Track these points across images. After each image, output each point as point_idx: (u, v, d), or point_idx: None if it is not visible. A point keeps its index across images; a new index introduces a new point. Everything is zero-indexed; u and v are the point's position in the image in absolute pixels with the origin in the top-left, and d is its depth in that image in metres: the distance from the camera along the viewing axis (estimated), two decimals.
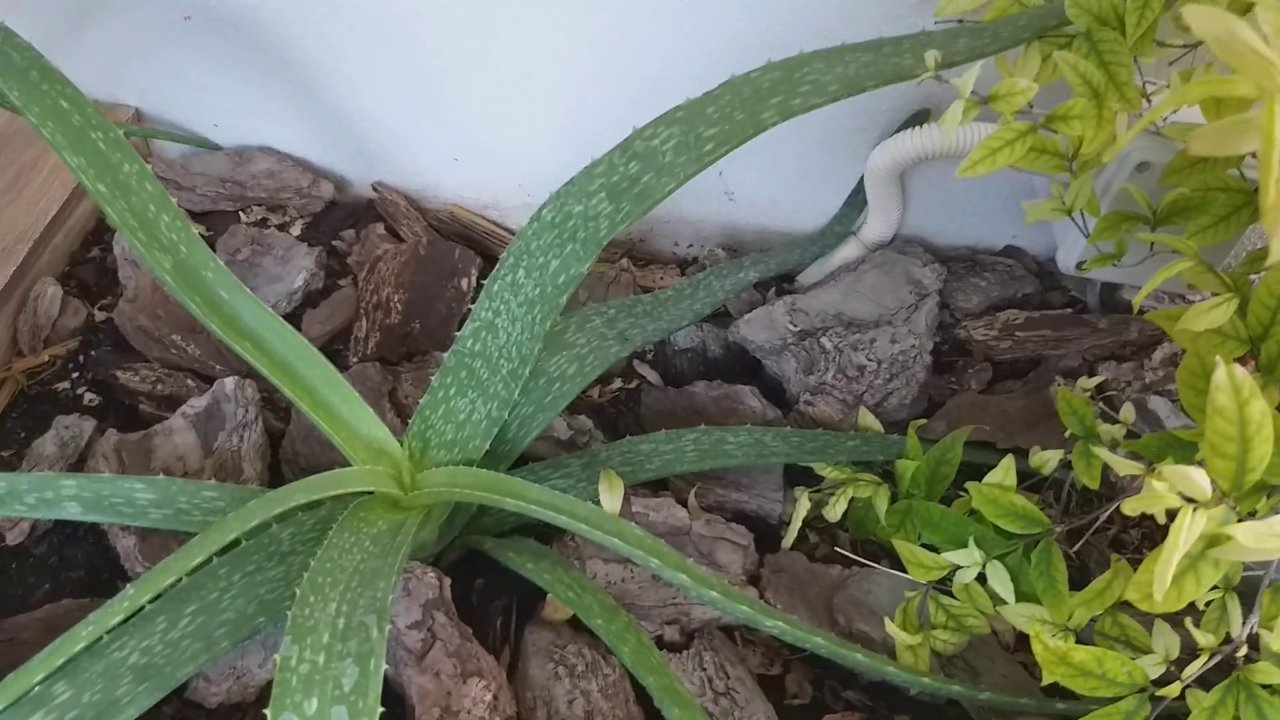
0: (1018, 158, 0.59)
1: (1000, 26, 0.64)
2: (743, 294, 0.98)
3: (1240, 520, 0.44)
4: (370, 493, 0.67)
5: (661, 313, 0.84)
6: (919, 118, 0.94)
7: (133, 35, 0.98)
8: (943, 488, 0.77)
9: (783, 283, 1.04)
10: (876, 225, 1.01)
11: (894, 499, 0.79)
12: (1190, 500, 0.41)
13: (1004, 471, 0.67)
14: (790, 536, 0.77)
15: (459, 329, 0.68)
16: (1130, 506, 0.41)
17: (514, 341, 0.65)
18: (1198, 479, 0.41)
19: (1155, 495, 0.40)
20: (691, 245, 1.11)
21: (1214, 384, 0.41)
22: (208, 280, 0.69)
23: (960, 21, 0.76)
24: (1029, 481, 0.78)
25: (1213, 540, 0.42)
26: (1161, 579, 0.40)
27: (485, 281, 0.65)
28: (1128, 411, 0.68)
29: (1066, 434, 0.70)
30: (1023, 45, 0.67)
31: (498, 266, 0.63)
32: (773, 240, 1.08)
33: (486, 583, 0.72)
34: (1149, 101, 0.68)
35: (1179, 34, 0.68)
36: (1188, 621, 0.55)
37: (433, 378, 0.69)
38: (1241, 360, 0.64)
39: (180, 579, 0.60)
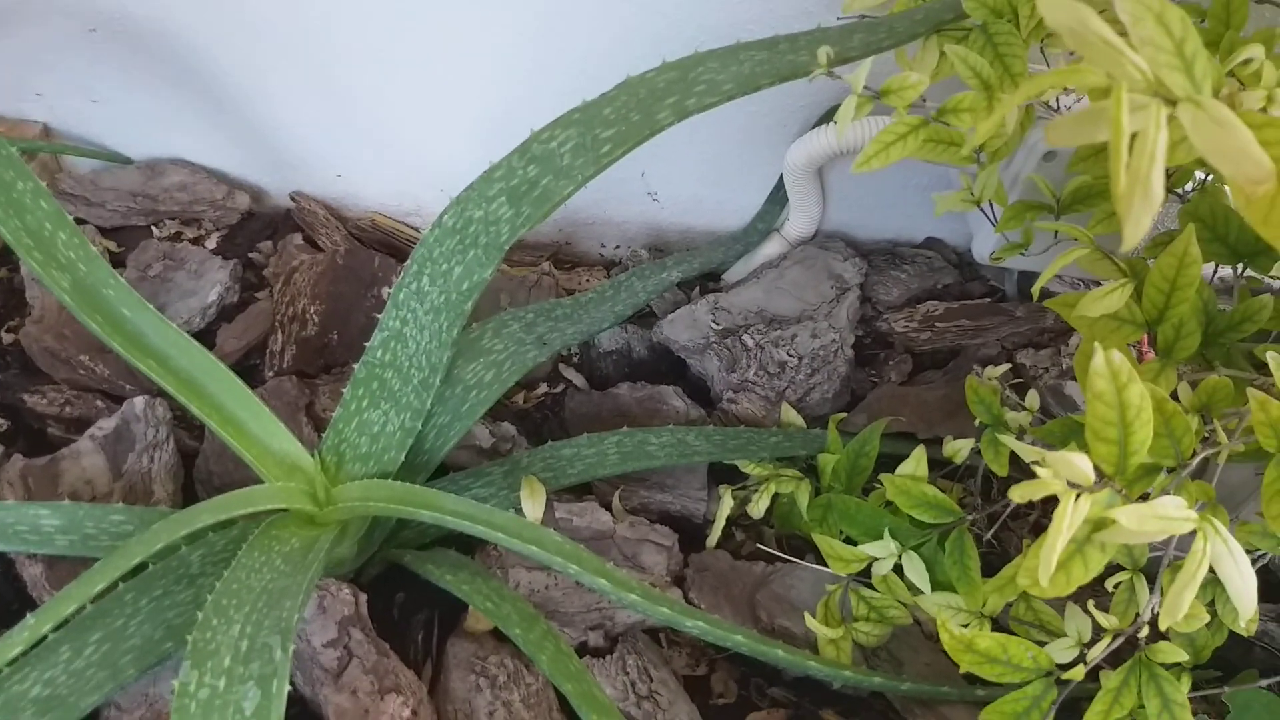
0: (912, 151, 0.59)
1: (896, 21, 0.65)
2: (667, 294, 0.98)
3: (1127, 504, 0.44)
4: (284, 510, 0.66)
5: (582, 315, 0.83)
6: (833, 114, 0.94)
7: (38, 49, 0.95)
8: (862, 480, 0.78)
9: (707, 281, 1.05)
10: (798, 221, 1.02)
11: (817, 493, 0.80)
12: (1075, 486, 0.42)
13: (915, 462, 0.68)
14: (714, 535, 0.77)
15: (371, 338, 0.68)
16: (1017, 494, 0.41)
17: (423, 350, 0.64)
18: (1079, 465, 0.41)
19: (1040, 482, 0.41)
20: (618, 246, 1.10)
21: (1092, 369, 0.42)
22: (109, 298, 0.68)
23: (862, 17, 0.77)
24: (949, 469, 0.79)
25: (1098, 525, 0.43)
26: (1046, 564, 0.41)
27: (390, 290, 0.64)
28: (1033, 398, 0.69)
29: (977, 422, 0.71)
30: (920, 39, 0.68)
31: (401, 274, 0.63)
32: (698, 239, 1.08)
33: (408, 596, 0.71)
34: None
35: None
36: (1090, 604, 0.56)
37: (344, 390, 0.68)
38: (1139, 344, 0.66)
39: (84, 606, 0.59)
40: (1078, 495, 0.41)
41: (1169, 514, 0.40)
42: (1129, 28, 0.36)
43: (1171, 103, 0.35)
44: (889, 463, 0.75)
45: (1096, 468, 0.43)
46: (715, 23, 0.85)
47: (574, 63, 0.90)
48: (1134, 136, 0.33)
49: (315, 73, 0.94)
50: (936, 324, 0.96)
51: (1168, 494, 0.45)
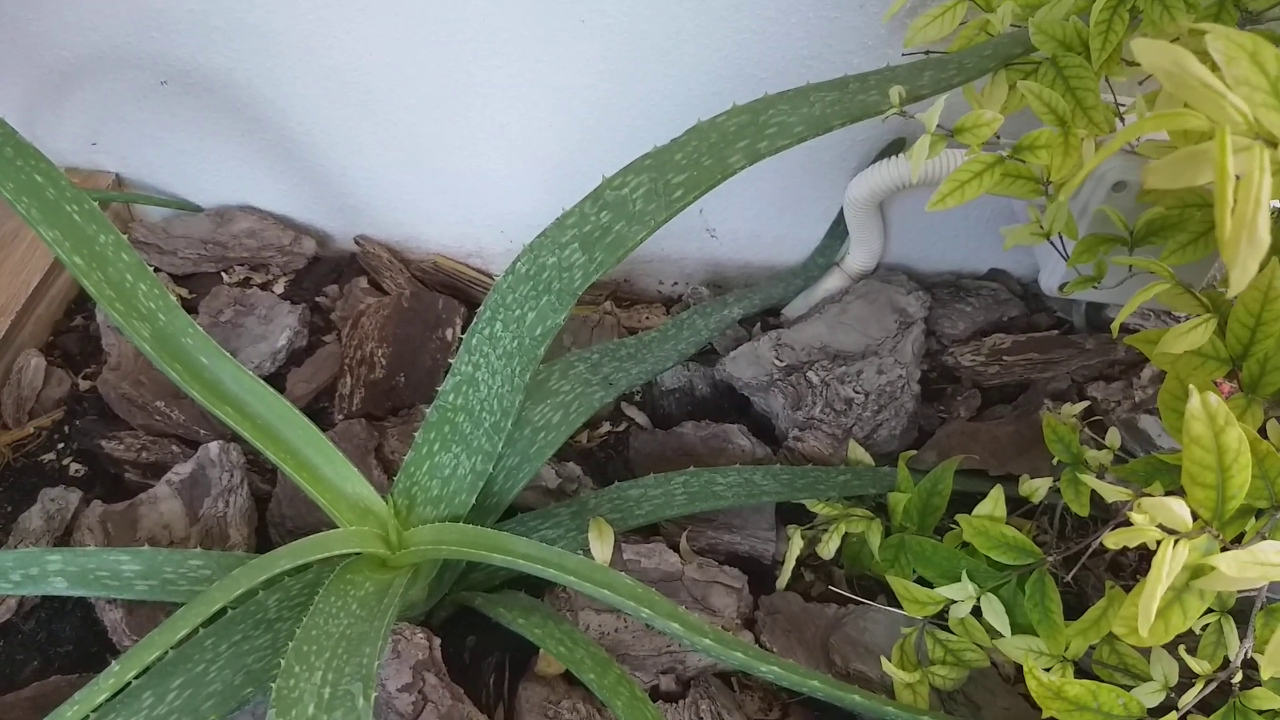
0: (987, 188, 0.59)
1: (965, 57, 0.65)
2: (728, 330, 0.97)
3: (1224, 548, 0.43)
4: (357, 553, 0.67)
5: (646, 355, 0.84)
6: (895, 147, 0.94)
7: (111, 102, 0.98)
8: (935, 519, 0.76)
9: (768, 317, 1.04)
10: (859, 255, 1.01)
11: (888, 532, 0.79)
12: (1171, 531, 0.41)
13: (993, 503, 0.67)
14: (784, 577, 0.76)
15: (443, 381, 0.68)
16: (1112, 541, 0.40)
17: (495, 394, 0.65)
18: (1177, 510, 0.40)
19: (1137, 529, 0.40)
20: (676, 283, 1.11)
21: (1189, 412, 0.41)
22: (187, 347, 0.69)
23: (927, 53, 0.76)
24: (1024, 508, 0.78)
25: (1196, 571, 0.42)
26: (1146, 613, 0.40)
27: (464, 335, 0.65)
28: (1113, 436, 0.68)
29: (1055, 460, 0.69)
30: (989, 74, 0.68)
31: (475, 320, 0.63)
32: (757, 274, 1.08)
33: (479, 640, 0.71)
34: (1122, 121, 0.68)
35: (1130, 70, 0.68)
36: (1181, 649, 0.54)
37: (416, 434, 0.69)
38: (1224, 379, 0.64)
39: (166, 652, 0.59)
40: (1176, 541, 0.40)
41: (1270, 560, 0.39)
42: (1223, 67, 0.36)
43: (1273, 144, 0.34)
44: (961, 500, 0.74)
45: (1193, 512, 0.42)
46: (777, 60, 0.85)
47: (637, 106, 0.91)
48: (1237, 180, 0.33)
49: (377, 121, 0.95)
50: (1004, 357, 0.95)
51: (1263, 537, 0.44)
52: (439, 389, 0.67)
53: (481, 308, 0.63)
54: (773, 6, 0.82)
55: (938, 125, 0.61)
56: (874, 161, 0.93)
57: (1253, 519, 0.47)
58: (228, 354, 0.70)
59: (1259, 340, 0.58)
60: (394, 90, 0.94)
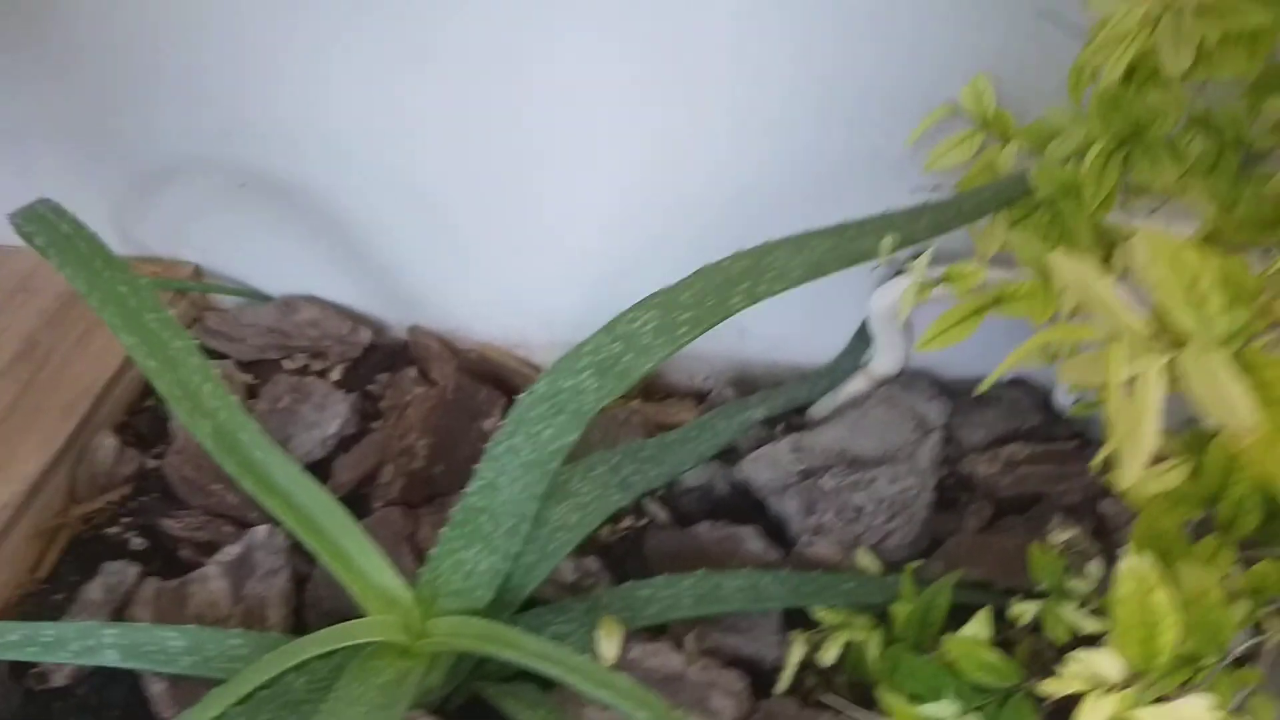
0: (974, 331, 0.63)
1: (964, 200, 0.69)
2: (751, 430, 1.02)
3: (1164, 698, 0.46)
4: (381, 641, 0.72)
5: (666, 457, 0.88)
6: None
7: (194, 200, 1.08)
8: (933, 632, 0.79)
9: (794, 415, 1.08)
10: (883, 360, 1.05)
11: (891, 641, 0.82)
12: (1103, 683, 0.44)
13: (978, 625, 0.70)
14: (783, 682, 0.79)
15: (469, 484, 0.74)
16: (1045, 689, 0.44)
17: (514, 500, 0.70)
18: (1104, 664, 0.43)
19: (1065, 679, 0.43)
20: (708, 378, 1.16)
21: (1119, 573, 0.45)
22: (243, 442, 0.76)
23: (935, 188, 0.81)
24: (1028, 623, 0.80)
25: None
26: None
27: (487, 445, 0.70)
28: (1094, 570, 0.70)
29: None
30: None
31: (498, 432, 0.69)
32: (785, 373, 1.12)
33: None
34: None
35: (1143, 196, 0.72)
36: None
37: (442, 530, 0.75)
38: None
39: None
40: (1103, 692, 0.43)
41: (1191, 716, 0.42)
42: (1144, 269, 0.40)
43: (1181, 344, 0.38)
44: (966, 612, 0.76)
45: (1126, 663, 0.45)
46: (811, 185, 0.91)
47: (679, 220, 0.97)
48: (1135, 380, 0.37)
49: (432, 222, 1.03)
50: (1020, 468, 0.98)
51: (1201, 689, 0.47)
52: (465, 490, 0.73)
53: (505, 420, 0.69)
54: (812, 132, 0.88)
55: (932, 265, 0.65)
56: (897, 274, 0.98)
57: (1193, 673, 0.50)
58: (278, 448, 0.76)
59: (1233, 483, 0.61)
60: (451, 196, 1.01)
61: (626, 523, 0.95)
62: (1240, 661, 0.56)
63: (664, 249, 0.99)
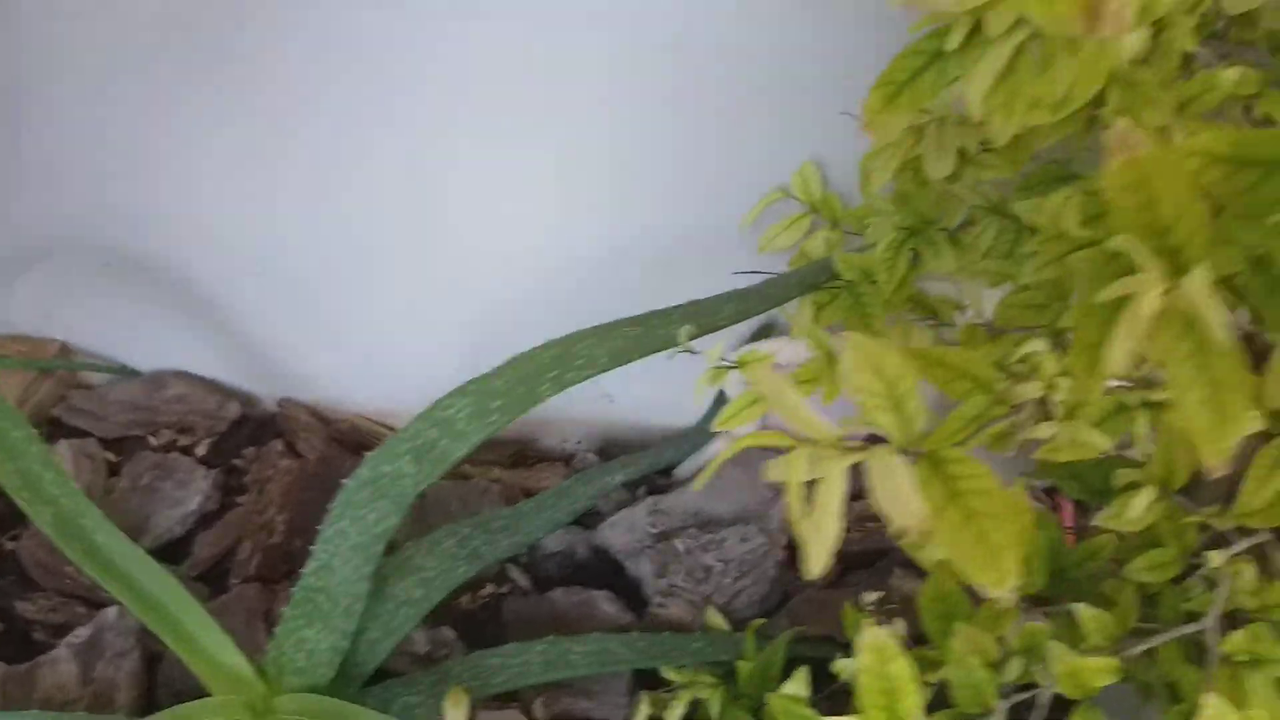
0: (764, 412, 0.67)
1: (769, 287, 0.74)
2: (613, 494, 1.05)
3: None
4: None
5: (520, 526, 0.91)
6: (765, 331, 1.03)
7: (60, 279, 1.09)
8: (772, 688, 0.83)
9: (659, 477, 1.12)
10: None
11: (739, 696, 0.85)
12: None
13: (796, 683, 0.73)
14: None
15: (306, 564, 0.76)
16: None
17: (348, 580, 0.72)
18: None
19: None
20: (579, 441, 1.19)
21: (860, 644, 0.49)
22: (85, 528, 0.77)
23: (754, 272, 0.86)
24: None
25: None
26: None
27: (320, 528, 0.72)
28: (898, 627, 0.75)
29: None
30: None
31: (328, 516, 0.71)
32: (653, 435, 1.16)
33: None
34: None
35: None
36: None
37: (284, 609, 0.76)
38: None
39: None
40: None
41: None
42: (846, 375, 0.45)
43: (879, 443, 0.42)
44: (811, 666, 0.80)
45: None
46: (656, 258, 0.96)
47: (530, 294, 1.01)
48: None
49: (301, 300, 1.05)
50: (867, 523, 1.02)
51: None
52: (303, 570, 0.75)
53: (333, 504, 0.71)
54: (672, 212, 0.93)
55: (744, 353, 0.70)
56: (745, 344, 1.02)
57: None
58: (119, 533, 0.78)
59: None
60: (317, 274, 1.04)
61: (489, 589, 0.98)
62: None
63: (528, 318, 1.03)
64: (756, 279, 0.80)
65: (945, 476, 0.41)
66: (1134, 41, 0.45)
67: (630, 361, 0.66)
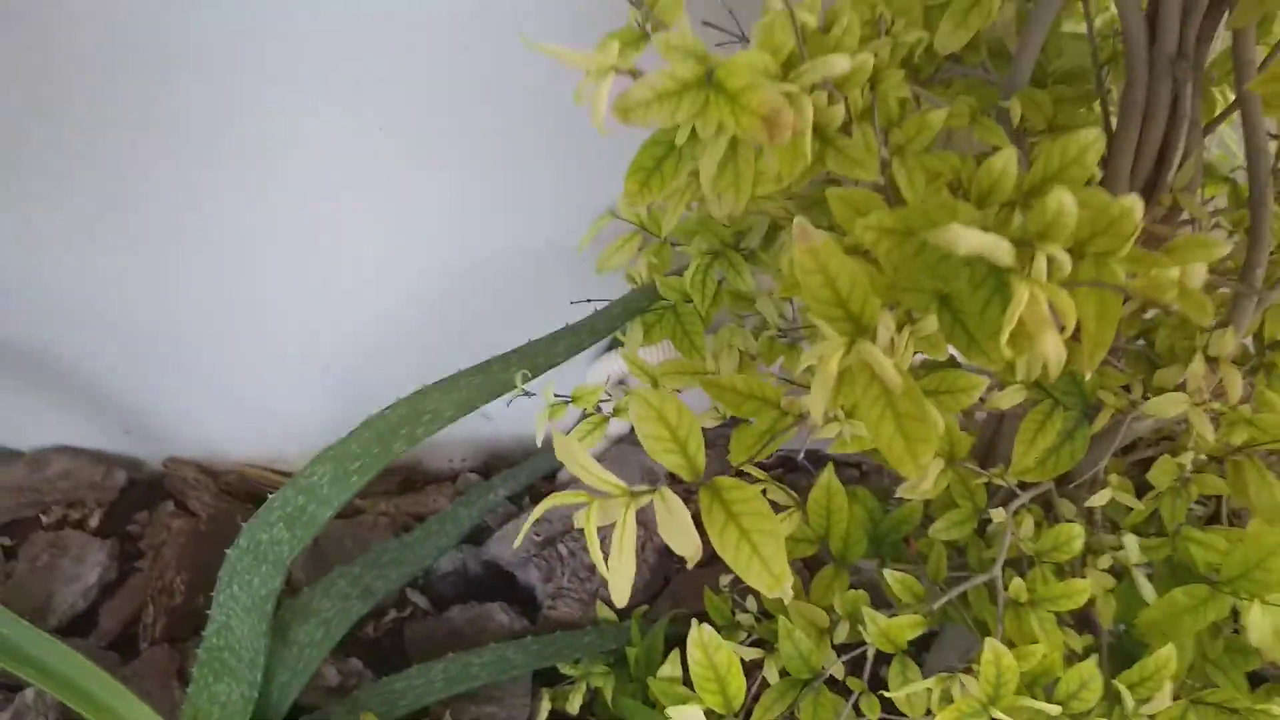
0: (602, 438, 0.75)
1: (597, 319, 0.81)
2: (500, 508, 1.12)
3: None
4: None
5: (408, 557, 0.97)
6: (616, 343, 1.11)
7: None
8: (658, 667, 0.91)
9: (545, 483, 1.19)
10: (613, 424, 1.17)
11: (631, 680, 0.94)
12: None
13: (671, 665, 0.82)
14: None
15: (207, 626, 0.81)
16: None
17: (247, 637, 0.78)
18: (690, 714, 0.56)
19: None
20: (465, 459, 1.25)
21: (690, 640, 0.57)
22: (7, 635, 0.81)
23: (589, 301, 0.94)
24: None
25: None
26: None
27: (213, 593, 0.78)
28: (751, 604, 0.84)
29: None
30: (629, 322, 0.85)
31: (218, 583, 0.77)
32: (532, 444, 1.23)
33: None
34: None
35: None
36: None
37: (193, 669, 0.82)
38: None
39: None
40: None
41: None
42: (636, 425, 0.52)
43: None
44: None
45: (711, 711, 0.58)
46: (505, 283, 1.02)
47: (402, 335, 1.07)
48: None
49: (172, 359, 1.09)
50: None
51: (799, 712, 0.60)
52: (204, 632, 0.80)
53: (221, 572, 0.76)
54: (523, 240, 1.00)
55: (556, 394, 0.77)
56: (601, 355, 1.10)
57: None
58: (22, 621, 0.82)
59: (835, 524, 0.75)
60: (180, 333, 1.07)
61: (391, 615, 1.04)
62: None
63: (393, 352, 1.09)
64: (591, 306, 0.87)
65: (723, 502, 0.49)
66: (839, 113, 0.53)
67: (477, 408, 0.72)
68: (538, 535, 1.05)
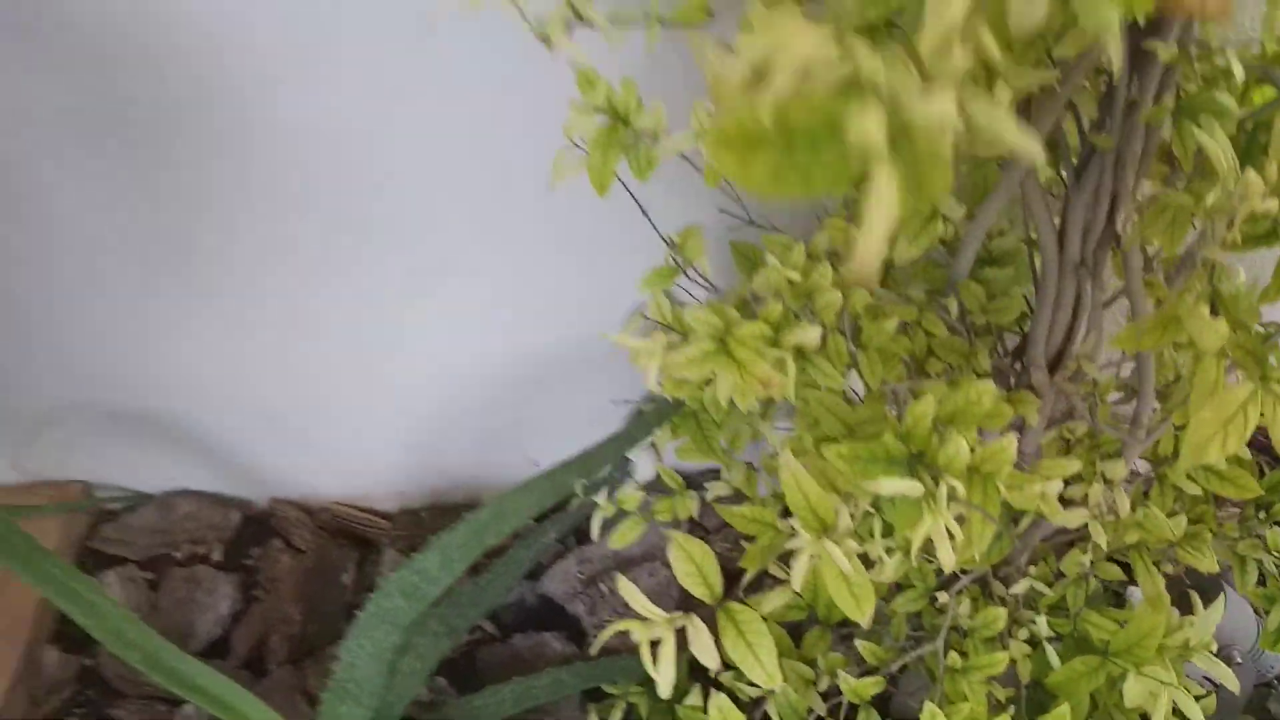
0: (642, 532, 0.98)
1: (634, 427, 1.03)
2: (550, 547, 1.35)
3: None
4: None
5: (481, 598, 1.21)
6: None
7: (74, 430, 1.33)
8: (684, 688, 1.15)
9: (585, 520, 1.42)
10: (644, 469, 1.40)
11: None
12: None
13: (695, 695, 1.05)
14: None
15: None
16: None
17: (369, 674, 1.01)
18: None
19: None
20: None
21: (710, 704, 0.80)
22: (146, 644, 1.04)
23: (626, 401, 1.15)
24: None
25: None
26: None
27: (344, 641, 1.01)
28: None
29: None
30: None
31: (349, 633, 1.00)
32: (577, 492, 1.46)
33: None
34: None
35: None
36: None
37: (324, 694, 1.05)
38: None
39: None
40: None
41: None
42: (671, 559, 0.75)
43: None
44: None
45: None
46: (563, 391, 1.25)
47: (470, 389, 1.29)
48: None
49: (276, 411, 1.32)
50: (743, 542, 1.34)
51: None
52: (333, 669, 1.04)
53: (353, 627, 1.00)
54: (573, 339, 1.21)
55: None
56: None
57: None
58: (179, 651, 1.05)
59: (820, 596, 0.98)
60: (290, 397, 1.30)
61: (465, 639, 1.28)
62: None
63: (459, 417, 1.32)
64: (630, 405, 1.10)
65: (734, 621, 0.72)
66: (817, 335, 0.74)
67: (544, 508, 0.95)
68: (582, 574, 1.29)
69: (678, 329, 1.17)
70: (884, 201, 0.27)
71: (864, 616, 0.66)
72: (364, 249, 1.12)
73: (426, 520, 1.43)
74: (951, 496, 0.63)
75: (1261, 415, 0.61)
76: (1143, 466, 1.02)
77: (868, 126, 0.26)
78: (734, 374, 0.65)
